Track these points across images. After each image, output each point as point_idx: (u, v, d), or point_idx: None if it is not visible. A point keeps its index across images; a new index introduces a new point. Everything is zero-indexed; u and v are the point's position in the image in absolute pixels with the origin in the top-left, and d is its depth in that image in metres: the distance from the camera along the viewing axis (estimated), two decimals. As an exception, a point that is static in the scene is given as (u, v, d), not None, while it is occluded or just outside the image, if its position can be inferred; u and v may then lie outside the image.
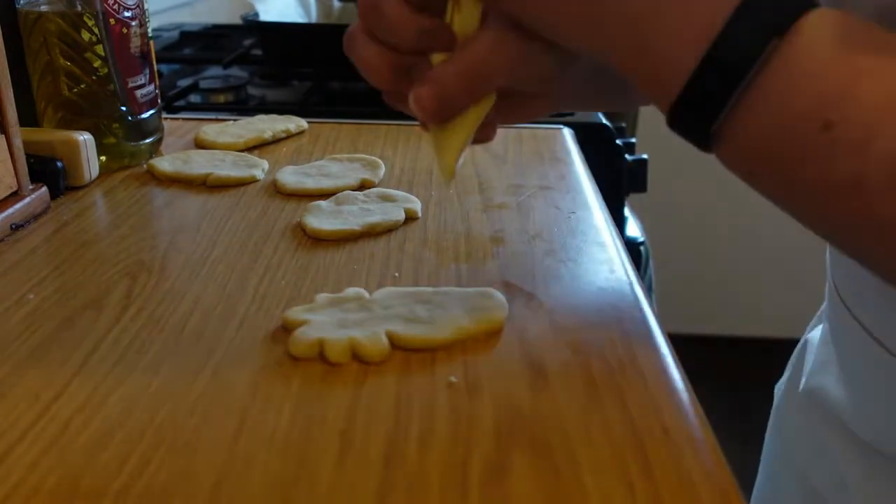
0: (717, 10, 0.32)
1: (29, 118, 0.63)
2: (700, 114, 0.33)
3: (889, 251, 0.31)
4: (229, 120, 0.79)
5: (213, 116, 0.84)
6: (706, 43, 0.32)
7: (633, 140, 0.96)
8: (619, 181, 0.97)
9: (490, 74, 0.37)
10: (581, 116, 0.86)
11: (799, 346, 0.61)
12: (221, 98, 0.97)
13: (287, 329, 0.42)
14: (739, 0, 0.32)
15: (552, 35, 0.36)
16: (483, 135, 0.41)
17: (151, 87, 0.69)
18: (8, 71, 0.54)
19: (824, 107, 0.30)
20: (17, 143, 0.56)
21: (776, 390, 0.64)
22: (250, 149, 0.72)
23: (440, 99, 0.37)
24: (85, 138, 0.62)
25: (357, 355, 0.39)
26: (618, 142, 0.88)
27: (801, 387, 0.56)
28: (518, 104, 0.43)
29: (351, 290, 0.45)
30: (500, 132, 0.45)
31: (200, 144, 0.73)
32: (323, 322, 0.41)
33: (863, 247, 0.33)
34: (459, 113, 0.39)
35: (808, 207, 0.33)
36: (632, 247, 1.00)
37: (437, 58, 0.39)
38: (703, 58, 0.32)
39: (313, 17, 1.22)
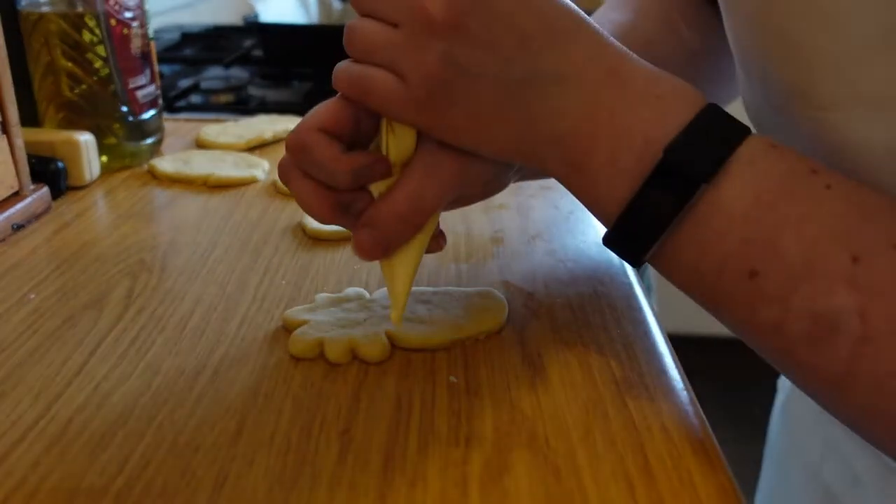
0: (647, 147, 0.33)
1: (30, 118, 0.63)
2: (629, 247, 0.34)
3: (816, 391, 0.32)
4: (230, 120, 0.79)
5: (213, 117, 0.84)
6: (636, 180, 0.33)
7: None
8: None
9: (427, 207, 0.36)
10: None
11: None
12: (222, 98, 0.97)
13: (287, 329, 0.42)
14: (668, 142, 0.32)
15: (490, 156, 0.36)
16: (434, 246, 0.40)
17: (152, 88, 0.69)
18: (9, 71, 0.54)
19: (749, 255, 0.31)
20: (19, 143, 0.56)
21: (779, 384, 0.64)
22: (251, 149, 0.72)
23: (382, 242, 0.36)
24: (86, 139, 0.62)
25: (357, 355, 0.39)
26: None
27: None
28: (458, 201, 0.42)
29: (351, 290, 0.45)
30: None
31: (201, 145, 0.73)
32: (323, 322, 0.41)
33: (794, 382, 0.34)
34: (404, 245, 0.37)
35: (743, 337, 0.34)
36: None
37: (376, 187, 0.37)
38: (632, 198, 0.33)
39: (313, 18, 1.22)
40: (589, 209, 0.36)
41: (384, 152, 0.37)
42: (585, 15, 0.35)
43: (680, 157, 0.32)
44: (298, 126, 0.36)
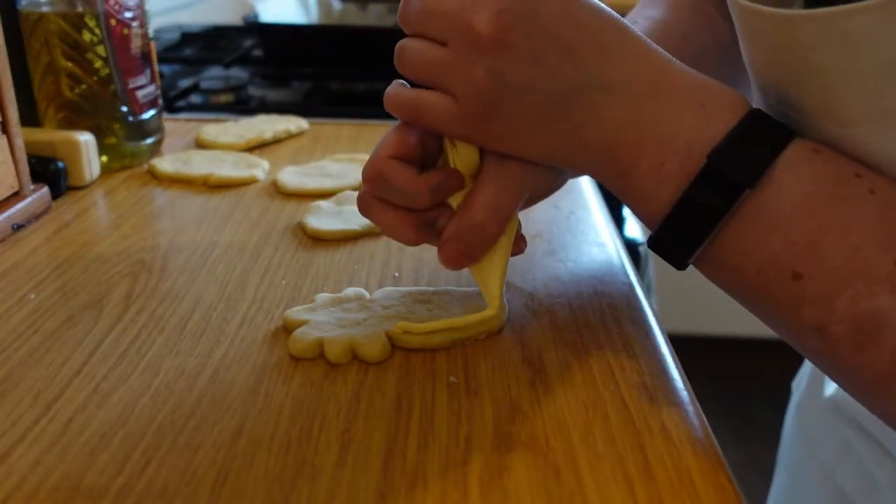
0: (690, 152, 0.33)
1: (30, 118, 0.63)
2: (674, 250, 0.35)
3: (859, 391, 0.33)
4: (230, 120, 0.79)
5: (213, 117, 0.84)
6: (680, 185, 0.33)
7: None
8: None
9: (503, 214, 0.38)
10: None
11: None
12: (222, 98, 0.97)
13: (287, 329, 0.42)
14: (712, 147, 0.33)
15: (541, 161, 0.38)
16: (516, 249, 0.42)
17: (152, 88, 0.69)
18: (9, 71, 0.54)
19: (792, 258, 0.32)
20: (19, 143, 0.56)
21: (793, 387, 0.63)
22: (251, 149, 0.72)
23: (467, 252, 0.38)
24: (86, 139, 0.62)
25: (357, 355, 0.39)
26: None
27: (825, 393, 0.55)
28: (528, 201, 0.44)
29: (351, 290, 0.45)
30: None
31: (201, 145, 0.73)
32: (323, 322, 0.41)
33: (839, 383, 0.34)
34: (489, 251, 0.40)
35: (786, 337, 0.35)
36: (631, 247, 1.00)
37: (454, 199, 0.39)
38: (676, 202, 0.34)
39: (313, 18, 1.22)
40: (635, 213, 0.37)
41: (451, 166, 0.39)
42: (627, 23, 0.36)
43: (724, 163, 0.33)
44: (371, 157, 0.38)
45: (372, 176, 0.38)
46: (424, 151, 0.39)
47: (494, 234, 0.38)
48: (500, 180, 0.37)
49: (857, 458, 0.52)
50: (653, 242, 0.36)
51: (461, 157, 0.38)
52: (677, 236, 0.35)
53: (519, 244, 0.42)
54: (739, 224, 0.33)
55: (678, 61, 0.36)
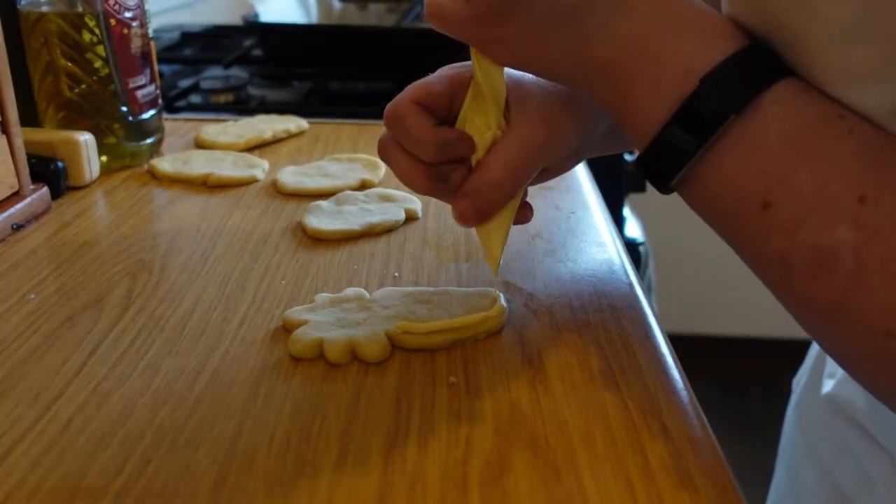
0: (686, 76, 0.34)
1: (30, 118, 0.63)
2: (660, 170, 0.36)
3: (809, 322, 0.34)
4: (230, 120, 0.79)
5: (213, 117, 0.84)
6: (673, 107, 0.35)
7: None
8: (619, 181, 0.97)
9: (522, 175, 0.40)
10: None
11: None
12: (222, 98, 0.97)
13: (287, 329, 0.42)
14: (705, 72, 0.34)
15: (541, 76, 0.39)
16: (522, 216, 0.44)
17: (152, 88, 0.69)
18: (9, 71, 0.54)
19: (766, 187, 0.33)
20: (19, 143, 0.56)
21: (794, 385, 0.63)
22: (251, 149, 0.72)
23: (482, 209, 0.40)
24: (86, 138, 0.62)
25: (357, 355, 0.39)
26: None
27: (823, 390, 0.55)
28: (543, 174, 0.45)
29: (351, 290, 0.45)
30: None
31: (201, 145, 0.73)
32: (323, 322, 0.41)
33: (793, 314, 0.35)
34: (500, 212, 0.41)
35: (751, 266, 0.36)
36: (631, 247, 1.00)
37: (475, 157, 0.40)
38: (667, 122, 0.35)
39: (313, 18, 1.22)
40: (630, 135, 0.38)
41: (463, 126, 0.40)
42: None
43: (714, 88, 0.34)
44: (396, 98, 0.39)
45: (390, 116, 0.39)
46: (451, 109, 0.40)
47: (510, 193, 0.40)
48: (524, 143, 0.39)
49: (854, 456, 0.52)
50: (640, 162, 0.37)
51: (487, 81, 0.39)
52: (664, 157, 0.36)
53: (525, 212, 0.44)
54: (722, 151, 0.34)
55: None
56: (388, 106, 0.39)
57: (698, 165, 0.35)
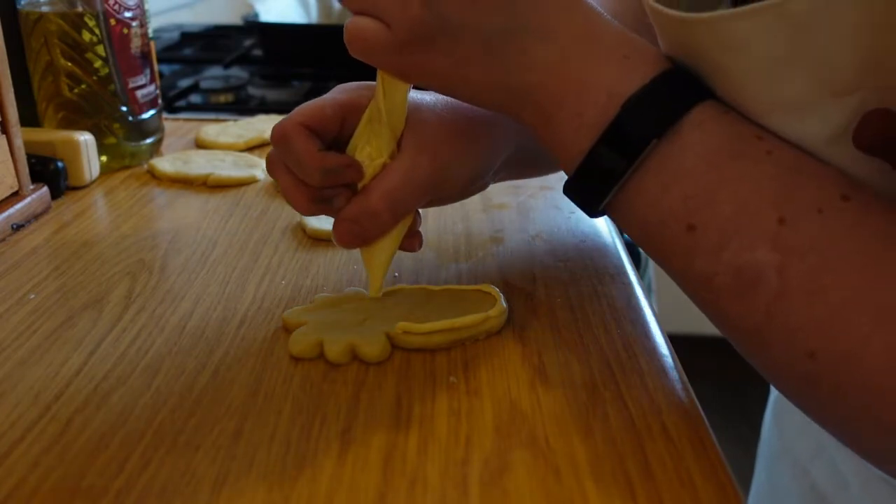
0: (609, 101, 0.35)
1: (30, 118, 0.63)
2: (587, 195, 0.37)
3: (738, 341, 0.34)
4: (230, 120, 0.79)
5: (213, 117, 0.84)
6: (597, 132, 0.35)
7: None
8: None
9: (401, 208, 0.39)
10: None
11: None
12: (222, 98, 0.97)
13: (287, 329, 0.42)
14: (627, 96, 0.34)
15: (466, 101, 0.39)
16: (409, 245, 0.42)
17: (152, 88, 0.69)
18: (9, 71, 0.54)
19: (689, 210, 0.33)
20: (18, 143, 0.56)
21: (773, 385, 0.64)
22: (251, 149, 0.72)
23: (360, 235, 0.40)
24: (86, 138, 0.62)
25: (357, 355, 0.39)
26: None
27: None
28: (433, 202, 0.44)
29: (351, 290, 0.45)
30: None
31: (201, 145, 0.73)
32: (323, 322, 0.41)
33: (724, 335, 0.35)
34: (381, 237, 0.40)
35: (681, 287, 0.36)
36: (631, 247, 1.00)
37: (362, 182, 0.39)
38: (591, 148, 0.35)
39: (313, 18, 1.22)
40: (557, 160, 0.38)
41: (355, 150, 0.39)
42: None
43: (635, 113, 0.34)
44: (285, 118, 0.39)
45: (277, 136, 0.38)
46: (342, 132, 0.40)
47: (388, 224, 0.39)
48: (407, 174, 0.38)
49: (829, 456, 0.53)
50: (567, 189, 0.37)
51: (389, 109, 0.38)
52: (589, 183, 0.36)
53: (413, 241, 0.43)
54: (645, 175, 0.34)
55: (607, 16, 0.37)
56: (276, 125, 0.38)
57: (624, 189, 0.35)
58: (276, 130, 0.38)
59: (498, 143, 0.42)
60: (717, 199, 0.32)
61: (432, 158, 0.39)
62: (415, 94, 0.40)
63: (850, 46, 0.30)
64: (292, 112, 0.39)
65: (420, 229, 0.43)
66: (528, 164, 0.48)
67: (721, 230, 0.32)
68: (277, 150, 0.39)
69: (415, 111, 0.40)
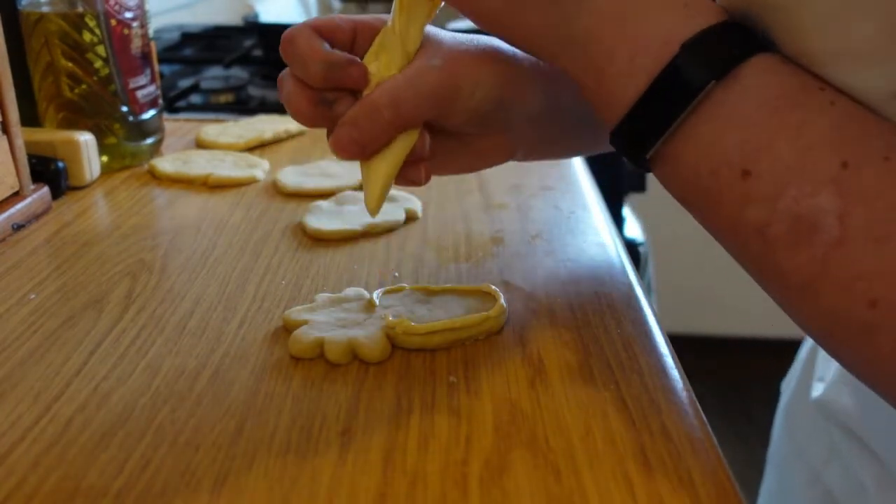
0: (665, 47, 0.34)
1: (30, 118, 0.63)
2: (637, 140, 0.35)
3: (787, 296, 0.33)
4: (230, 120, 0.79)
5: (213, 117, 0.84)
6: (651, 76, 0.34)
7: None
8: (619, 181, 0.97)
9: (404, 109, 0.37)
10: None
11: (809, 345, 0.60)
12: (222, 98, 0.97)
13: (287, 329, 0.42)
14: (687, 38, 0.33)
15: (518, 45, 0.38)
16: (414, 174, 0.41)
17: (152, 88, 0.69)
18: (10, 71, 0.54)
19: (745, 156, 0.32)
20: (19, 143, 0.56)
21: (783, 387, 0.63)
22: (251, 149, 0.72)
23: (359, 140, 0.38)
24: (86, 139, 0.62)
25: (357, 355, 0.39)
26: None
27: (813, 394, 0.55)
28: (466, 147, 0.43)
29: (351, 290, 0.45)
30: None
31: (201, 145, 0.73)
32: (323, 322, 0.41)
33: (769, 290, 0.34)
34: (381, 149, 0.39)
35: (726, 243, 0.35)
36: (631, 247, 1.00)
37: (366, 92, 0.38)
38: (644, 91, 0.34)
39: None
40: (601, 113, 0.37)
41: (375, 58, 0.38)
42: None
43: (695, 53, 0.33)
44: (293, 26, 0.38)
45: (284, 38, 0.38)
46: (353, 44, 0.39)
47: (389, 124, 0.38)
48: (414, 75, 0.38)
49: (844, 460, 0.52)
50: (614, 135, 0.36)
51: (404, 28, 0.38)
52: (641, 125, 0.35)
53: (418, 170, 0.41)
54: (700, 120, 0.33)
55: None
56: (286, 31, 0.38)
57: (675, 136, 0.34)
58: (286, 34, 0.38)
59: (521, 83, 0.41)
60: (776, 144, 0.31)
61: (442, 67, 0.38)
62: (438, 30, 0.40)
63: None
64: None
65: (425, 188, 0.42)
66: (557, 137, 0.46)
67: (779, 176, 0.31)
68: (283, 56, 0.38)
69: (434, 35, 0.39)
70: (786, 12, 0.33)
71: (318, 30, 0.38)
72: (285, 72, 0.39)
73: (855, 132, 0.31)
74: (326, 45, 0.38)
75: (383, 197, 0.40)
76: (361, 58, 0.39)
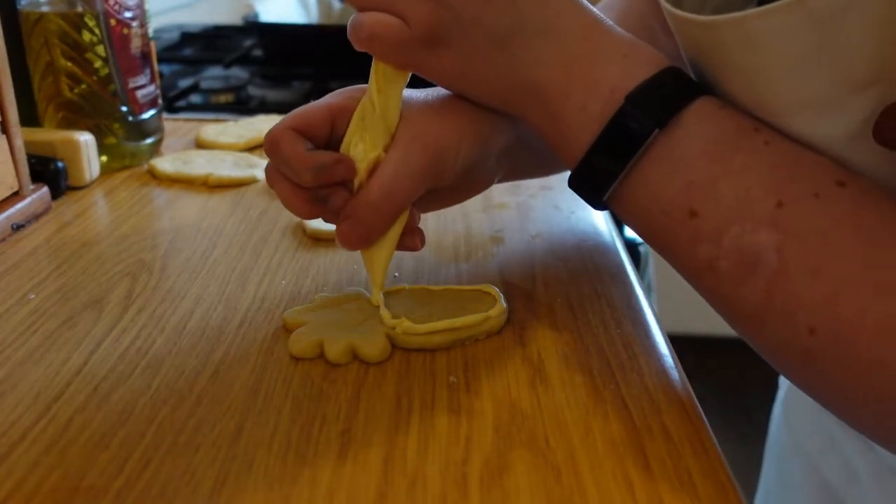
0: (612, 95, 0.36)
1: (30, 118, 0.63)
2: (592, 187, 0.38)
3: (738, 323, 0.35)
4: (230, 120, 0.79)
5: (213, 117, 0.84)
6: (602, 124, 0.36)
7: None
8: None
9: (399, 198, 0.39)
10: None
11: None
12: (222, 98, 0.97)
13: (287, 329, 0.42)
14: (630, 91, 0.35)
15: (476, 100, 0.40)
16: (410, 243, 0.42)
17: (152, 88, 0.69)
18: (9, 71, 0.54)
19: (691, 197, 0.34)
20: (19, 143, 0.56)
21: (780, 381, 0.64)
22: (251, 149, 0.72)
23: (362, 233, 0.39)
24: (86, 138, 0.62)
25: (357, 355, 0.39)
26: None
27: None
28: (451, 192, 0.44)
29: (351, 290, 0.45)
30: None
31: (201, 145, 0.73)
32: (323, 322, 0.41)
33: (725, 319, 0.36)
34: (383, 235, 0.40)
35: (685, 276, 0.37)
36: (631, 247, 0.99)
37: (359, 179, 0.39)
38: (596, 139, 0.36)
39: (313, 18, 1.22)
40: (560, 157, 0.39)
41: (348, 149, 0.39)
42: None
43: (638, 105, 0.35)
44: (275, 125, 0.39)
45: (268, 143, 0.39)
46: (332, 135, 0.40)
47: (388, 216, 0.39)
48: (400, 163, 0.39)
49: (841, 452, 0.53)
50: (572, 181, 0.38)
51: (383, 104, 0.38)
52: (593, 175, 0.37)
53: (414, 238, 0.43)
54: (649, 163, 0.35)
55: (608, 19, 0.38)
56: (267, 133, 0.39)
57: (627, 180, 0.36)
58: (267, 137, 0.39)
59: (494, 128, 0.42)
60: (719, 185, 0.34)
61: (425, 145, 0.39)
62: (405, 91, 0.41)
63: (874, 40, 0.31)
64: (283, 118, 0.39)
65: (420, 227, 0.43)
66: (531, 161, 0.48)
67: (722, 215, 0.33)
68: (270, 158, 0.40)
69: (406, 104, 0.40)
70: (745, 70, 0.35)
71: (297, 129, 0.39)
72: (273, 168, 0.40)
73: (789, 171, 0.33)
74: (309, 145, 0.39)
75: (384, 279, 0.42)
76: (342, 138, 0.40)
